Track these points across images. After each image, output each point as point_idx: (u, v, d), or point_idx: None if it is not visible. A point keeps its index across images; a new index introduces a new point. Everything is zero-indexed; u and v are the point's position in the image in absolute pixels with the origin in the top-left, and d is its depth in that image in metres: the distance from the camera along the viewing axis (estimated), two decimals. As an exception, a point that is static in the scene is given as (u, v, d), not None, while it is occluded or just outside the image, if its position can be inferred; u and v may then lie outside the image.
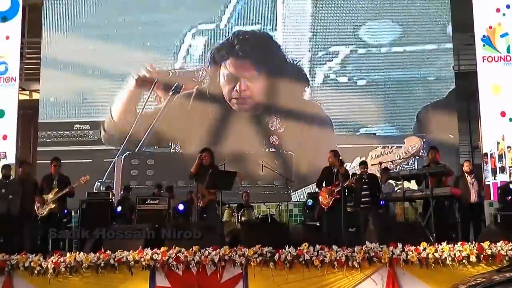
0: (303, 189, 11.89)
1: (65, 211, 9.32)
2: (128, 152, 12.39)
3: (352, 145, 12.03)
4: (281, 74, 12.77)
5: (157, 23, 12.93)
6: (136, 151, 12.41)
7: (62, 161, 8.80)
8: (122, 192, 11.48)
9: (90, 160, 12.27)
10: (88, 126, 12.60)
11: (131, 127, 12.44)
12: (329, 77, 12.66)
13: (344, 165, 8.74)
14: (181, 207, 10.26)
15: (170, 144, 12.37)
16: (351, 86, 12.65)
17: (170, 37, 12.90)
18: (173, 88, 12.59)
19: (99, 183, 11.85)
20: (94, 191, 11.23)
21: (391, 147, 12.21)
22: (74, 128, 12.57)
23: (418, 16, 12.80)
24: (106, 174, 12.20)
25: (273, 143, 12.43)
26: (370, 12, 12.82)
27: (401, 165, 11.85)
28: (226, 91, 12.61)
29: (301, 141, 12.42)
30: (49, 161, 8.80)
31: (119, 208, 10.19)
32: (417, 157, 12.06)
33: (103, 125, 12.55)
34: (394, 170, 10.64)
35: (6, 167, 8.92)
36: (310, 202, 10.10)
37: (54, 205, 8.22)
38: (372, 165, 10.57)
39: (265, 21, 12.90)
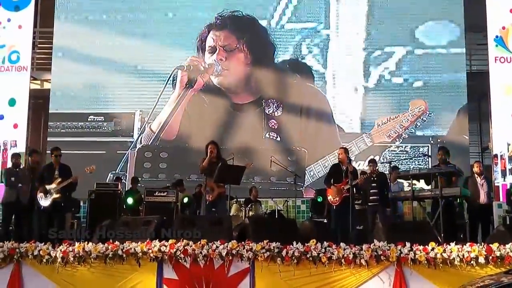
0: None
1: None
2: (141, 144, 12.40)
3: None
4: (266, 54, 12.68)
5: (178, 19, 12.84)
6: (150, 143, 12.39)
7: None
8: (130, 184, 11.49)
9: (104, 152, 12.25)
10: (102, 117, 12.56)
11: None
12: (383, 77, 12.49)
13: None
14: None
15: (186, 144, 12.29)
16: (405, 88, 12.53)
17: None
18: (187, 82, 12.55)
19: (112, 175, 11.78)
20: (107, 182, 11.22)
21: (397, 114, 12.18)
22: (89, 120, 12.54)
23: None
24: (120, 166, 12.17)
25: (273, 127, 12.36)
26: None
27: (410, 163, 11.77)
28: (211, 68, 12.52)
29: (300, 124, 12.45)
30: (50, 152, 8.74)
31: (130, 200, 10.21)
32: (423, 120, 12.05)
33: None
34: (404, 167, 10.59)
35: (16, 155, 8.99)
36: (320, 198, 10.09)
37: (58, 195, 8.12)
38: (381, 163, 10.58)
39: (318, 20, 12.74)
